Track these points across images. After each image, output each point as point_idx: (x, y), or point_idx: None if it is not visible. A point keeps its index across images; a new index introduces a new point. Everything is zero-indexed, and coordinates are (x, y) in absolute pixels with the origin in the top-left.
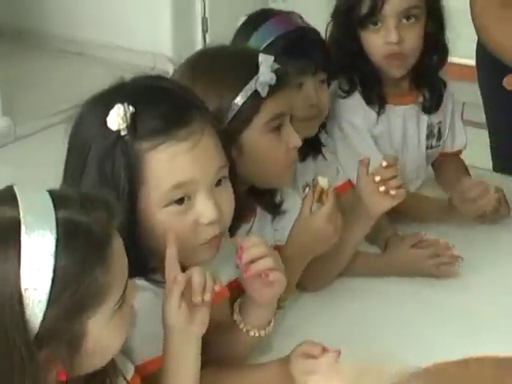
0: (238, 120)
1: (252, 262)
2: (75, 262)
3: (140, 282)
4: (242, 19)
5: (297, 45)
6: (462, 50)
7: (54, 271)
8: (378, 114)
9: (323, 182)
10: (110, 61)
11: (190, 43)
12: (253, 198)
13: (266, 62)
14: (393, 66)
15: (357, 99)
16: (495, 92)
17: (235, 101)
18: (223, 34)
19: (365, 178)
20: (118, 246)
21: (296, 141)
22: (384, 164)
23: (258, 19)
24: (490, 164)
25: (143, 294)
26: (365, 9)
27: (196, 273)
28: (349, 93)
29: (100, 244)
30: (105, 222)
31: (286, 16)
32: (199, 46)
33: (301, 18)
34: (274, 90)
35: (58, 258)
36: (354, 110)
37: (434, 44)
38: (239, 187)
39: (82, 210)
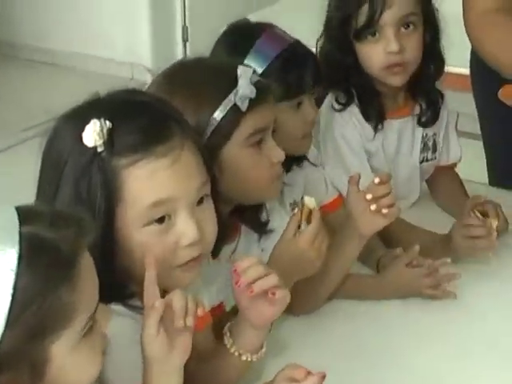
0: (218, 135)
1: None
2: (38, 280)
3: (117, 307)
4: (224, 28)
5: (293, 64)
6: (456, 59)
7: (15, 288)
8: (376, 130)
9: (310, 202)
10: (85, 72)
11: (169, 53)
12: (236, 215)
13: (245, 75)
14: (393, 75)
15: (353, 113)
16: (491, 104)
17: (214, 115)
18: (205, 43)
19: (355, 196)
20: (86, 265)
21: (279, 155)
22: (376, 181)
23: (245, 40)
24: (485, 176)
25: (120, 320)
26: (362, 19)
27: (177, 296)
28: (345, 106)
29: (67, 262)
30: (73, 240)
31: (273, 33)
32: (180, 56)
33: (279, 29)
34: (254, 103)
35: (20, 274)
36: (350, 124)
37: (431, 53)
38: (222, 206)
39: (51, 227)
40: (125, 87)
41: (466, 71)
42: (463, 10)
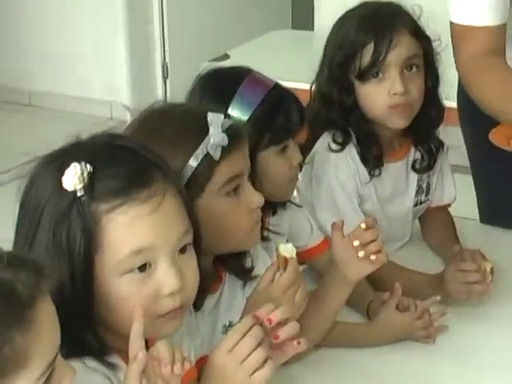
0: (193, 185)
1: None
2: None
3: (91, 362)
4: (205, 65)
5: (278, 108)
6: (446, 93)
7: None
8: (373, 175)
9: (286, 250)
10: (63, 112)
11: (149, 91)
12: (220, 262)
13: (215, 122)
14: (397, 116)
15: (350, 155)
16: (480, 141)
17: (187, 165)
18: (185, 80)
19: (340, 242)
20: (46, 311)
21: (258, 200)
22: (363, 226)
23: (226, 88)
24: (475, 210)
25: (92, 376)
26: (366, 59)
27: (163, 346)
28: (343, 146)
29: (22, 305)
30: (32, 284)
31: (253, 78)
32: (160, 94)
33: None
34: (227, 150)
35: None
36: (346, 167)
37: (432, 98)
38: (204, 256)
39: (8, 268)
40: (106, 131)
41: (451, 104)
42: (455, 54)
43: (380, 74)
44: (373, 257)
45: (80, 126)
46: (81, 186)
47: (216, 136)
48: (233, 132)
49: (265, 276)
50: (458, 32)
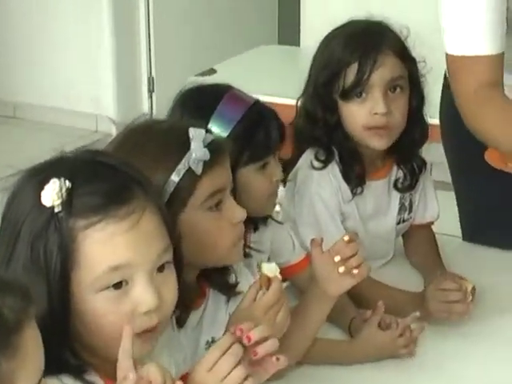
0: (175, 200)
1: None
2: None
3: (68, 380)
4: (191, 80)
5: (257, 125)
6: (431, 112)
7: None
8: (355, 194)
9: (269, 269)
10: (48, 124)
11: (135, 104)
12: (203, 278)
13: (197, 137)
14: (377, 138)
15: (332, 172)
16: (462, 159)
17: (169, 181)
18: (171, 94)
19: (320, 258)
20: (31, 336)
21: (240, 215)
22: (346, 238)
23: (206, 105)
24: (459, 227)
25: None
26: (349, 79)
27: (153, 367)
28: (325, 164)
29: (8, 330)
30: (18, 309)
31: (233, 95)
32: (145, 108)
33: (238, 90)
34: (209, 165)
35: None
36: (329, 184)
37: (416, 118)
38: (187, 272)
39: None
40: (89, 147)
41: (435, 121)
42: (453, 86)
43: (364, 94)
44: (355, 271)
45: (65, 139)
46: (59, 201)
47: (198, 151)
48: (214, 147)
49: (247, 295)
50: (456, 63)
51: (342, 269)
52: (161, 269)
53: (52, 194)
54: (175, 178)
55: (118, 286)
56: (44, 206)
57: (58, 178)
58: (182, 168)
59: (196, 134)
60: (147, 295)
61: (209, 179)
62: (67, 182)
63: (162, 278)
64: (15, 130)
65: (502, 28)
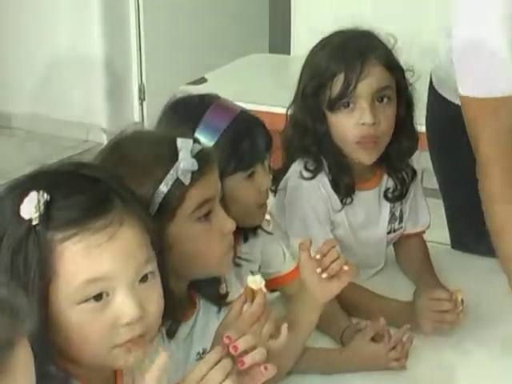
0: (163, 211)
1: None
2: None
3: None
4: (182, 89)
5: (244, 134)
6: (420, 118)
7: None
8: (344, 203)
9: (254, 282)
10: (39, 134)
11: (125, 113)
12: (193, 288)
13: (185, 147)
14: (365, 151)
15: (322, 182)
16: (450, 167)
17: (158, 191)
18: (162, 103)
19: (308, 264)
20: (23, 354)
21: (229, 225)
22: (318, 257)
23: (192, 114)
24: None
25: None
26: (336, 89)
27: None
28: (315, 174)
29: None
30: (9, 327)
31: (220, 104)
32: (136, 116)
33: (225, 100)
34: (197, 175)
35: None
36: (318, 194)
37: (403, 128)
38: (176, 283)
39: None
40: (77, 158)
41: (424, 129)
42: (473, 131)
43: (351, 105)
44: (346, 267)
45: (56, 148)
46: (37, 214)
47: (186, 161)
48: (202, 157)
49: (233, 308)
50: (475, 107)
51: (324, 275)
52: (144, 279)
53: (30, 206)
54: (164, 188)
55: (98, 297)
56: (23, 219)
57: (37, 190)
58: (170, 178)
59: (184, 145)
60: (128, 307)
61: (197, 189)
62: (46, 194)
63: (145, 289)
64: (7, 139)
65: None
